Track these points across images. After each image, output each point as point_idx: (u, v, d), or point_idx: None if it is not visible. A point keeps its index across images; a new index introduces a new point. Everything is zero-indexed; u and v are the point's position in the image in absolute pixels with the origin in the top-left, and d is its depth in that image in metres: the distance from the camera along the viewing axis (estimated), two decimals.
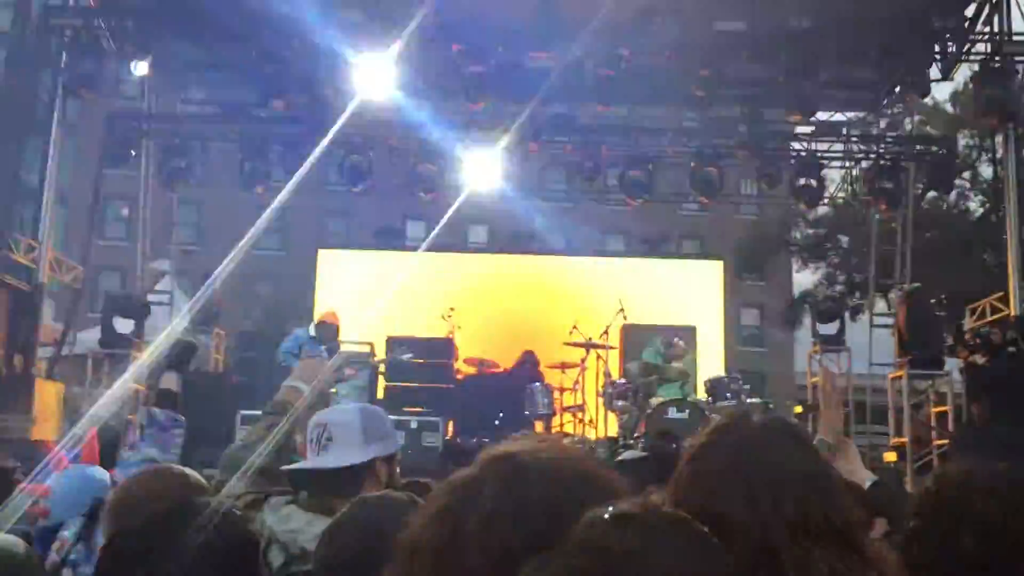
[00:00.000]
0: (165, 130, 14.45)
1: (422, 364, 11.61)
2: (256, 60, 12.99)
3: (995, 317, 12.71)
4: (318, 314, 10.55)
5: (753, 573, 1.40)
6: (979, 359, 9.92)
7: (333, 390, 9.58)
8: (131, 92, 15.41)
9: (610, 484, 1.31)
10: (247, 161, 13.92)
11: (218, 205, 30.73)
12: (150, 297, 14.96)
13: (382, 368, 11.89)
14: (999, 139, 13.58)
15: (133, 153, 14.27)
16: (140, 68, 12.76)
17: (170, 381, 9.11)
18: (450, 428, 11.45)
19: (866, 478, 2.94)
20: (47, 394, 11.90)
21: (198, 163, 14.60)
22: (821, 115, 15.05)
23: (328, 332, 10.26)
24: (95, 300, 24.35)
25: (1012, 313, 12.22)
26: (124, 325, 12.74)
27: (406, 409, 11.20)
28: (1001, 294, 12.95)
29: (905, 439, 12.58)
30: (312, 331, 10.34)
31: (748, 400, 9.92)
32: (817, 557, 1.44)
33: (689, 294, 14.85)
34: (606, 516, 1.15)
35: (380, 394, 11.85)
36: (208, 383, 12.48)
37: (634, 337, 12.08)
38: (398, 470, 2.69)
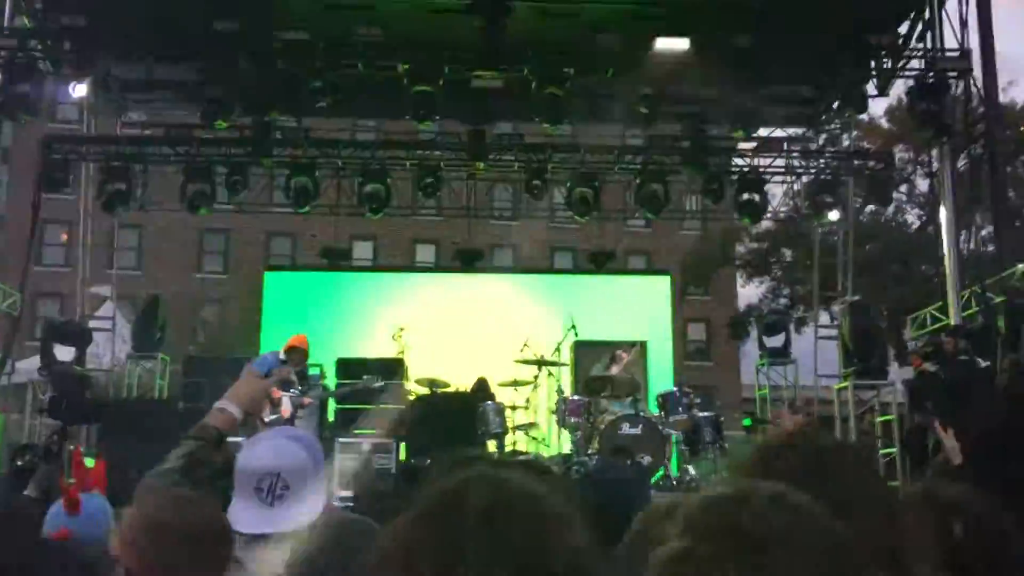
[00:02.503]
0: (105, 153, 14.16)
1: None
2: (199, 80, 12.80)
3: (935, 327, 13.01)
4: (289, 339, 10.28)
5: None
6: (930, 367, 10.16)
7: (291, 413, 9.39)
8: (69, 115, 15.09)
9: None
10: (190, 183, 13.69)
11: (159, 229, 30.25)
12: (91, 323, 14.63)
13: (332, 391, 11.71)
14: (935, 153, 13.95)
15: (71, 177, 13.97)
16: (79, 90, 12.46)
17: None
18: (402, 449, 11.32)
19: None
20: None
21: (138, 186, 14.34)
22: (762, 131, 15.32)
23: (299, 357, 10.06)
24: (32, 327, 23.77)
25: (951, 323, 12.53)
26: (65, 352, 12.42)
27: (357, 432, 11.07)
28: (940, 304, 13.28)
29: None
30: (283, 356, 10.12)
31: (699, 414, 9.98)
32: None
33: (638, 309, 14.92)
34: None
35: (331, 416, 11.69)
36: (153, 410, 12.21)
37: (586, 353, 12.09)
38: None
